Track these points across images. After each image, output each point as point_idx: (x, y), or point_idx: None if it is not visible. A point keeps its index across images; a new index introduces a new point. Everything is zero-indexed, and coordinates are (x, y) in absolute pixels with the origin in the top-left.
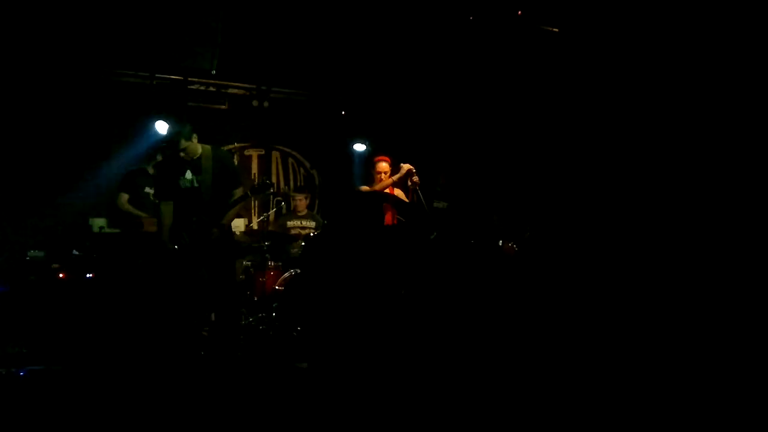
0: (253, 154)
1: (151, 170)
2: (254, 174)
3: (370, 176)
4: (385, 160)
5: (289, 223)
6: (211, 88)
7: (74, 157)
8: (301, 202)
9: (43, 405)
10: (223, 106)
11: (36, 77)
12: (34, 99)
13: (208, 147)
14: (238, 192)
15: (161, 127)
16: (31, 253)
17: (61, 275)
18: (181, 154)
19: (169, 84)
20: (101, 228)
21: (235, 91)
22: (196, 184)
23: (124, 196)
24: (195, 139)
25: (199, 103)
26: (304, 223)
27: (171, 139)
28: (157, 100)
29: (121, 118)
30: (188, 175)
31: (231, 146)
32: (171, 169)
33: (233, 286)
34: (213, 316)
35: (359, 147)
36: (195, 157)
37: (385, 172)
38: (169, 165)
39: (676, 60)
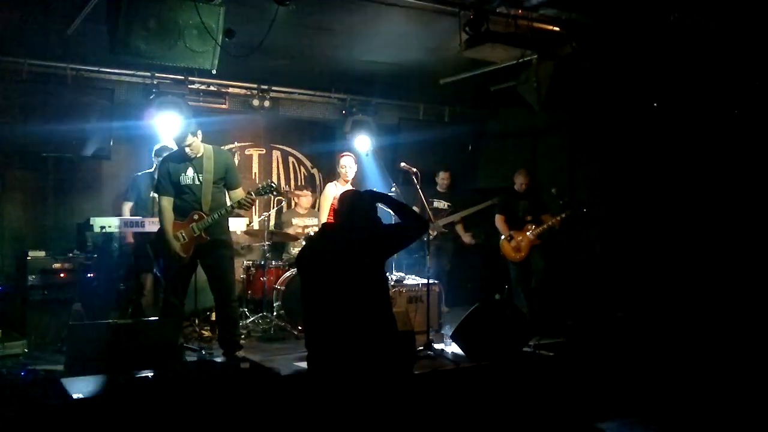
0: (254, 153)
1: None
2: (255, 173)
3: (337, 172)
4: (348, 156)
5: (294, 221)
6: (212, 88)
7: (75, 156)
8: (304, 200)
9: (47, 405)
10: (224, 106)
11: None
12: (38, 97)
13: (209, 147)
14: (239, 193)
15: (164, 129)
16: (32, 253)
17: (62, 275)
18: (187, 149)
19: (169, 83)
20: (102, 228)
21: (236, 90)
22: (197, 182)
23: (128, 205)
24: (200, 136)
25: (200, 103)
26: (307, 221)
27: (178, 133)
28: (158, 99)
29: (122, 117)
30: (189, 172)
31: (231, 145)
32: (174, 164)
33: (233, 285)
34: (213, 315)
35: (362, 147)
36: (198, 155)
37: (348, 167)
38: (172, 160)
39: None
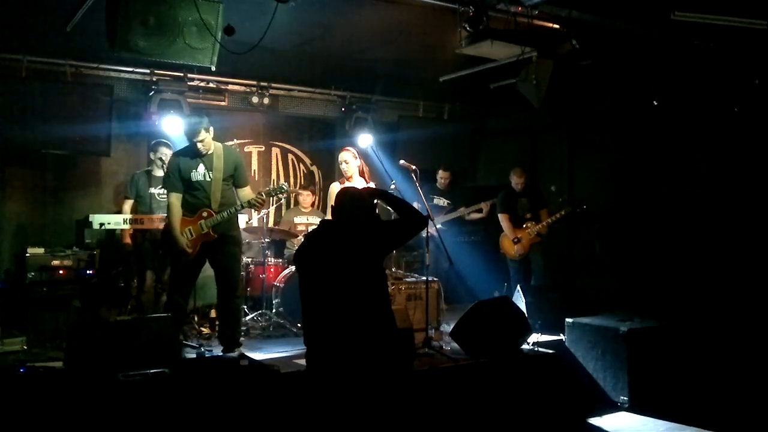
0: (253, 150)
1: (156, 172)
2: (254, 171)
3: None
4: (346, 151)
5: (296, 220)
6: (211, 85)
7: (74, 153)
8: (307, 198)
9: (43, 404)
10: (223, 103)
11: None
12: (38, 94)
13: (219, 144)
14: (247, 191)
15: (168, 125)
16: (31, 250)
17: (61, 272)
18: (199, 145)
19: (169, 80)
20: (102, 225)
21: (235, 87)
22: (207, 179)
23: (128, 203)
24: (212, 132)
25: (199, 100)
26: (310, 219)
27: (191, 129)
28: (157, 96)
29: (121, 114)
30: (200, 168)
31: (231, 143)
32: (185, 159)
33: (238, 282)
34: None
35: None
36: (209, 152)
37: (346, 162)
38: (183, 155)
39: None
